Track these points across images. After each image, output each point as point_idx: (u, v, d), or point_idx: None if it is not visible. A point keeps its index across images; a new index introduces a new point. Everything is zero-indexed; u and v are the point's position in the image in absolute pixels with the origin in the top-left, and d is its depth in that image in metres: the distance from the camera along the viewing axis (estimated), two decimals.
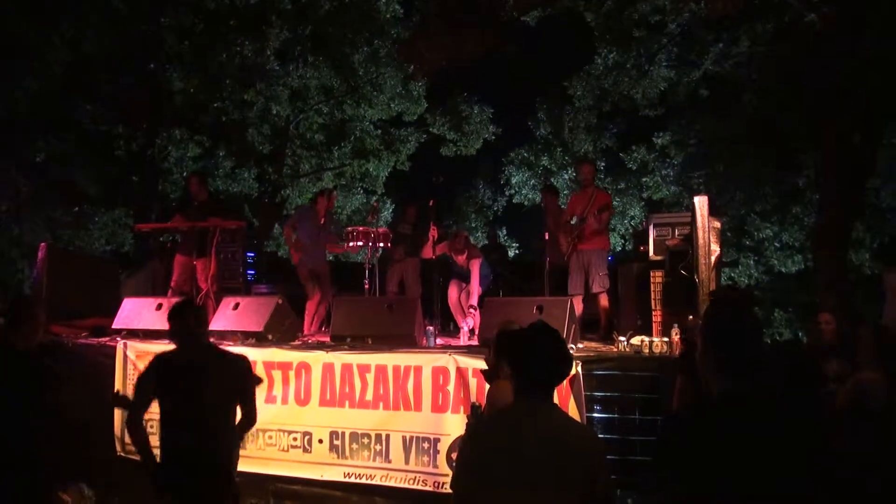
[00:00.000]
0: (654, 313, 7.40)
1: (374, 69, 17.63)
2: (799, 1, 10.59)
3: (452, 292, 8.41)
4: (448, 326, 8.87)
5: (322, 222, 8.86)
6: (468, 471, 2.72)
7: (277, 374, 6.64)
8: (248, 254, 10.87)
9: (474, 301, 8.05)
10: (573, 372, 5.78)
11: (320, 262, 8.89)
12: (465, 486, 2.71)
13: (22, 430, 4.00)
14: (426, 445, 6.13)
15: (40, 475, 4.06)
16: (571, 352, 6.13)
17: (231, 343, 6.94)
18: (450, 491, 2.86)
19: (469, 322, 7.77)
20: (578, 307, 7.77)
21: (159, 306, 7.59)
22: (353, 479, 6.33)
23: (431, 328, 7.06)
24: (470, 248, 8.41)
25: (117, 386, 7.23)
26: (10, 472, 3.94)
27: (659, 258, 7.64)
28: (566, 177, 20.77)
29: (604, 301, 7.89)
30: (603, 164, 19.69)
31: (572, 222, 8.10)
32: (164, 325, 7.32)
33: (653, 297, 7.45)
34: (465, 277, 8.33)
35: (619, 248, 19.06)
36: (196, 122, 15.87)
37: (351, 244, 8.58)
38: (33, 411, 4.07)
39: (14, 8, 12.70)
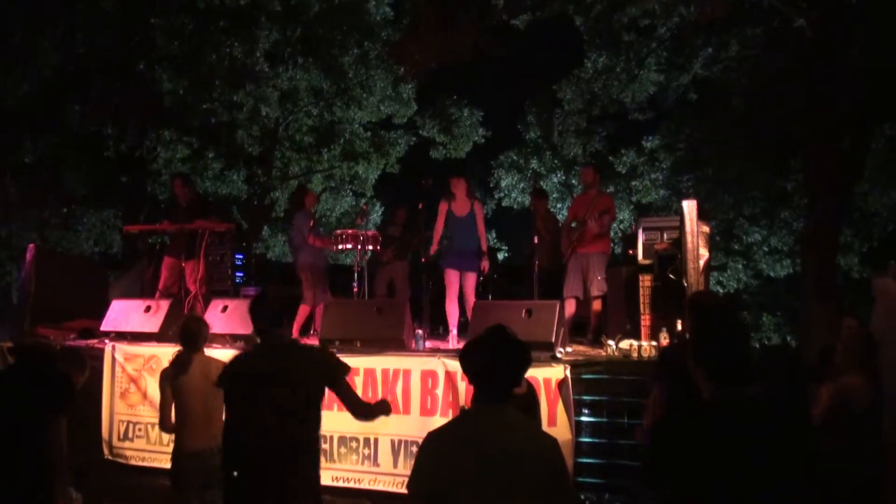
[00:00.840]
0: (642, 317, 7.41)
1: (364, 71, 17.62)
2: (787, 6, 10.65)
3: (452, 281, 8.01)
4: (437, 329, 8.87)
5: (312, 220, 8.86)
6: (422, 474, 2.68)
7: None
8: (237, 256, 10.84)
9: (484, 244, 7.94)
10: (562, 376, 5.80)
11: (319, 260, 8.86)
12: (418, 489, 2.67)
13: (42, 438, 4.11)
14: (415, 449, 6.11)
15: (50, 480, 4.12)
16: (560, 356, 6.15)
17: (219, 346, 6.92)
18: None
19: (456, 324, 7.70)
20: (570, 310, 7.77)
21: (147, 308, 7.57)
22: (341, 483, 6.32)
23: (420, 331, 7.04)
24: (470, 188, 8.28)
25: (105, 389, 7.19)
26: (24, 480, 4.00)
27: (648, 262, 7.64)
28: (555, 180, 20.81)
29: (597, 305, 7.86)
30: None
31: (573, 225, 8.08)
32: (152, 328, 7.38)
33: (642, 300, 7.46)
34: (462, 259, 8.00)
35: None
36: (185, 123, 15.83)
37: (340, 247, 8.56)
38: (53, 421, 4.20)
39: (4, 9, 12.65)
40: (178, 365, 4.90)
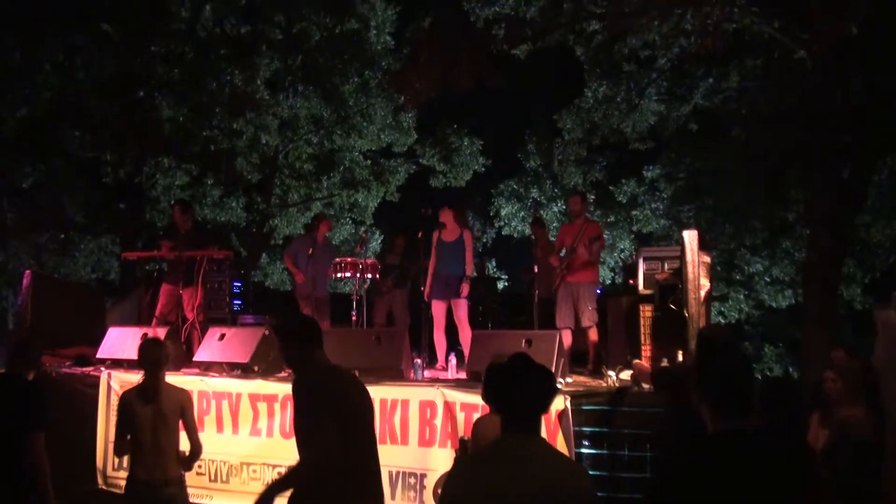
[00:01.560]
0: (643, 348, 7.38)
1: (365, 100, 17.76)
2: (787, 37, 10.75)
3: (438, 312, 8.16)
4: (436, 359, 8.86)
5: (320, 246, 8.95)
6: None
7: (263, 407, 6.59)
8: (235, 283, 10.83)
9: (469, 270, 8.05)
10: (561, 407, 5.76)
11: (320, 289, 8.95)
12: None
13: (25, 449, 4.30)
14: (412, 480, 6.05)
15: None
16: (560, 386, 6.12)
17: (216, 374, 6.90)
18: None
19: (451, 360, 7.72)
20: (567, 341, 7.75)
21: (144, 336, 7.55)
22: None
23: (419, 360, 7.02)
24: (461, 217, 8.40)
25: (100, 417, 7.15)
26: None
27: (648, 292, 7.64)
28: (556, 209, 20.88)
29: (593, 335, 7.84)
30: (593, 196, 19.81)
31: (562, 254, 8.10)
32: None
33: (642, 331, 7.44)
34: (448, 288, 8.10)
35: (608, 282, 19.12)
36: (184, 150, 15.91)
37: (339, 275, 8.59)
38: (31, 437, 4.38)
39: (4, 32, 12.76)
40: (139, 391, 4.85)
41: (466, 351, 7.65)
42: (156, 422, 4.72)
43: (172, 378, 5.46)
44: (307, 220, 17.53)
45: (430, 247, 8.30)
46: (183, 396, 5.09)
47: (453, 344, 8.18)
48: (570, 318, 7.83)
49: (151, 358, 4.85)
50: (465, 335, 7.95)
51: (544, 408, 2.78)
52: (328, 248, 9.25)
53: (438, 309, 8.08)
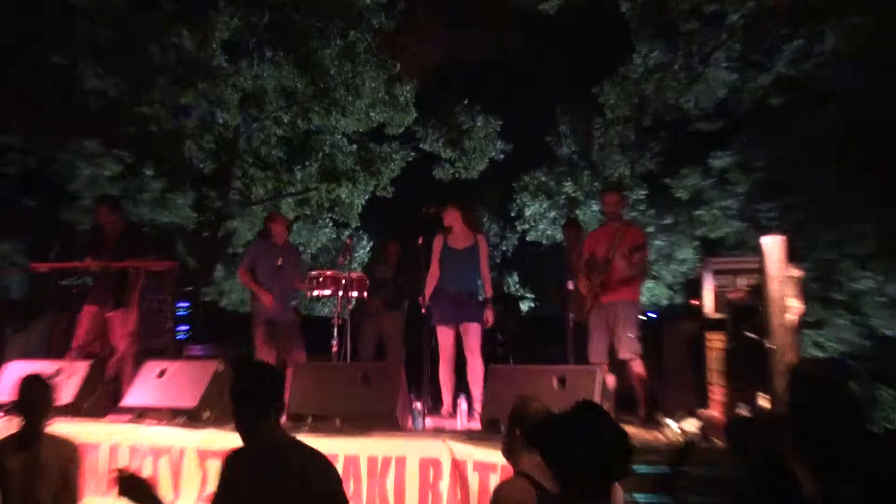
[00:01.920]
0: (711, 389, 7.32)
1: (350, 68, 17.80)
2: None
3: (444, 341, 8.10)
4: (441, 402, 8.80)
5: (282, 251, 8.86)
6: None
7: (214, 466, 6.51)
8: (181, 304, 10.82)
9: (489, 288, 8.16)
10: None
11: (287, 311, 8.89)
12: None
13: None
14: None
15: None
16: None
17: (153, 422, 6.84)
18: None
19: (475, 386, 7.65)
20: (611, 380, 7.69)
21: (58, 372, 7.48)
22: None
23: (419, 405, 7.02)
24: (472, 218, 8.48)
25: None
26: None
27: (718, 316, 7.58)
28: (595, 208, 20.82)
29: (638, 368, 7.85)
30: (643, 192, 19.77)
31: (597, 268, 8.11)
32: (64, 398, 7.28)
33: (710, 367, 7.38)
34: (458, 310, 8.07)
35: (664, 302, 19.04)
36: (116, 132, 15.88)
37: (316, 293, 8.56)
38: None
39: None
40: (13, 440, 4.91)
41: (476, 391, 7.62)
42: (29, 479, 4.74)
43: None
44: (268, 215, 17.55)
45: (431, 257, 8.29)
46: (68, 451, 5.17)
47: (464, 383, 8.13)
48: (604, 351, 7.88)
49: (32, 400, 4.95)
50: (476, 370, 7.95)
51: (623, 471, 2.84)
52: (292, 255, 9.19)
53: (445, 337, 8.08)
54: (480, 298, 8.16)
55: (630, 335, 7.80)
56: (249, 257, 9.04)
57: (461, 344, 8.11)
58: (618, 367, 7.90)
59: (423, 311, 8.27)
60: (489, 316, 8.02)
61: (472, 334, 7.98)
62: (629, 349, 7.78)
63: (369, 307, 9.25)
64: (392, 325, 9.36)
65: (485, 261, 8.17)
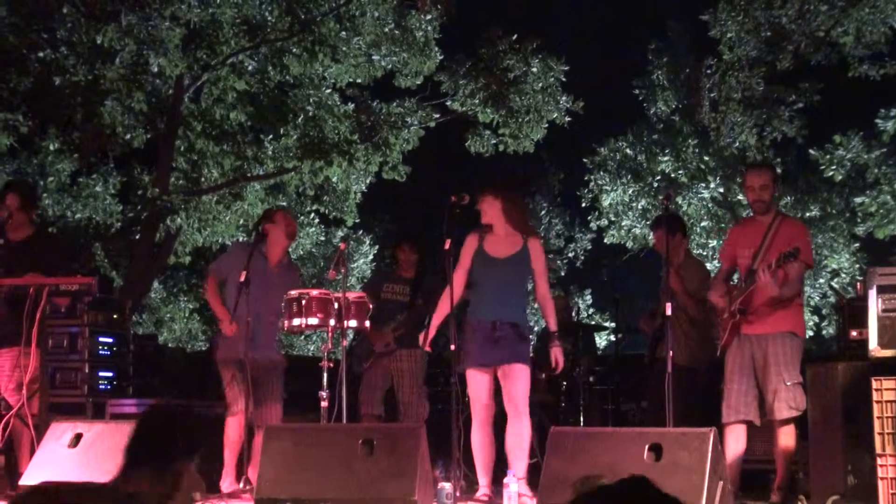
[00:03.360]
0: (880, 460, 7.30)
1: None
2: None
3: (478, 391, 8.05)
4: (475, 480, 8.86)
5: (275, 269, 8.91)
6: None
7: None
8: (102, 339, 10.87)
9: (551, 317, 8.03)
10: None
11: (266, 349, 8.90)
12: None
13: None
14: None
15: None
16: None
17: None
18: None
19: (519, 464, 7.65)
20: (738, 446, 7.72)
21: None
22: None
23: (448, 486, 7.01)
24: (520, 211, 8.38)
25: None
26: None
27: (889, 353, 7.57)
28: (706, 194, 20.76)
29: (787, 438, 7.81)
30: (777, 169, 19.76)
31: (734, 282, 8.13)
32: None
33: (878, 428, 7.36)
34: (499, 347, 7.98)
35: (808, 333, 18.96)
36: (3, 87, 16.00)
37: (296, 322, 8.53)
38: None
39: None
40: None
41: (519, 464, 7.62)
42: None
43: None
44: (246, 220, 17.65)
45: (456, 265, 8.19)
46: None
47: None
48: (750, 405, 7.79)
49: None
50: (520, 433, 7.93)
51: None
52: (289, 273, 9.21)
53: (478, 385, 8.02)
54: (528, 332, 8.09)
55: (789, 383, 7.67)
56: (224, 265, 9.02)
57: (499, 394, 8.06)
58: (766, 427, 7.84)
59: (452, 347, 8.22)
60: (557, 356, 7.92)
61: (516, 380, 7.86)
62: (788, 403, 7.65)
63: (375, 342, 9.24)
64: (408, 369, 9.35)
65: (542, 276, 8.08)
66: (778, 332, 7.81)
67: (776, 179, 8.33)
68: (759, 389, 7.76)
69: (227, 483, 8.47)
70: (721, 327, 8.05)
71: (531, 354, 8.25)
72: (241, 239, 17.37)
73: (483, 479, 7.94)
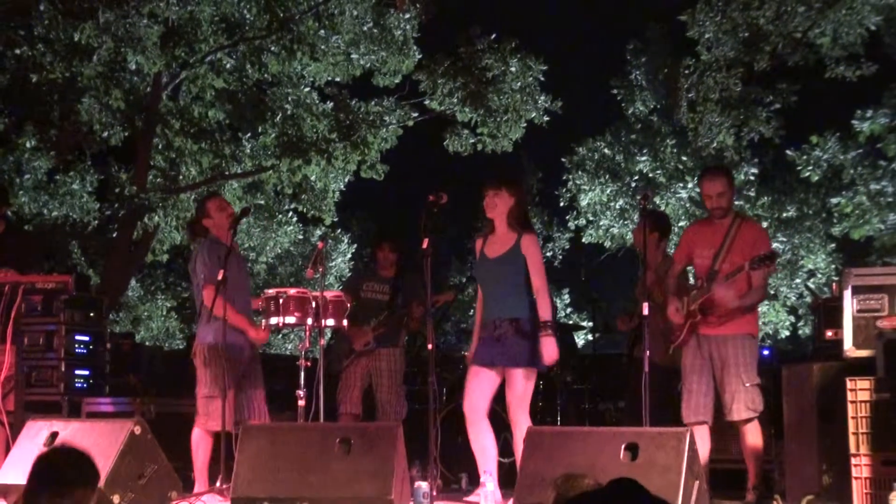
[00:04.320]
0: (853, 460, 7.33)
1: None
2: None
3: (478, 387, 8.01)
4: (457, 478, 8.82)
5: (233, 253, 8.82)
6: None
7: None
8: (79, 337, 10.83)
9: (545, 309, 7.92)
10: None
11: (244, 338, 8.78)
12: None
13: None
14: None
15: None
16: None
17: None
18: None
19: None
20: (705, 447, 7.69)
21: None
22: None
23: (424, 485, 7.01)
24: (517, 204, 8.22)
25: None
26: None
27: (864, 354, 7.60)
28: (684, 194, 20.82)
29: (752, 436, 7.82)
30: (754, 171, 19.78)
31: (694, 282, 8.14)
32: None
33: (853, 428, 7.39)
34: (500, 346, 7.95)
35: (784, 334, 18.99)
36: None
37: (274, 321, 8.49)
38: None
39: None
40: None
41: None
42: None
43: None
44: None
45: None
46: None
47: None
48: (708, 406, 7.82)
49: None
50: (515, 435, 7.92)
51: None
52: (239, 260, 9.15)
53: (473, 383, 8.02)
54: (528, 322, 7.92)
55: (748, 384, 7.68)
56: (214, 271, 8.49)
57: (500, 391, 8.04)
58: (721, 429, 7.87)
59: (430, 346, 8.18)
60: (549, 349, 7.79)
61: (518, 384, 7.86)
62: (747, 405, 7.67)
63: (355, 342, 9.24)
64: (387, 368, 9.35)
65: (535, 269, 7.95)
66: (738, 333, 7.83)
67: (732, 182, 8.28)
68: (716, 390, 7.79)
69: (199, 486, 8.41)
70: (678, 329, 8.04)
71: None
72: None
73: (487, 475, 7.63)
